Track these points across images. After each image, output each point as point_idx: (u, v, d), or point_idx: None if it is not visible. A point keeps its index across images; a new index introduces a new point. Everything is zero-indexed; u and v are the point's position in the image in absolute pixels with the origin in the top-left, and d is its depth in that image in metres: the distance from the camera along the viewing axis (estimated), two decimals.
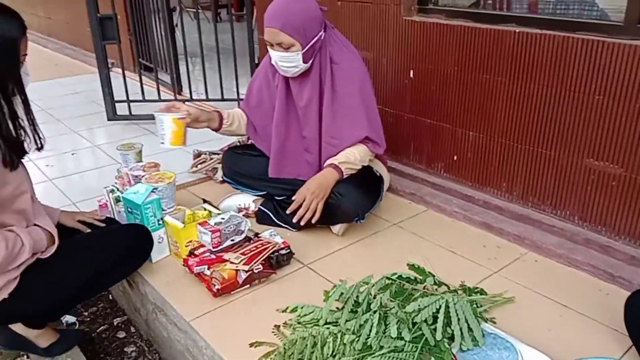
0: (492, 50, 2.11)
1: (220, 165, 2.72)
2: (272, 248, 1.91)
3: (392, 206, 2.40)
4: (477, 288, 1.78)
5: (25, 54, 1.52)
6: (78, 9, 5.77)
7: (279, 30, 1.90)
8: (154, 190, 2.00)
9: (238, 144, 2.89)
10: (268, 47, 2.01)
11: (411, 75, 2.44)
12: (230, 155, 2.36)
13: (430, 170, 2.51)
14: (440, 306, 1.48)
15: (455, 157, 2.39)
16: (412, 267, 1.78)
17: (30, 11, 7.39)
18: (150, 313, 2.00)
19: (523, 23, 2.04)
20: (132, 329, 2.19)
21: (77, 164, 2.99)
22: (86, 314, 2.25)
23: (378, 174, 2.20)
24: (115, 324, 2.22)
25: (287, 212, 2.04)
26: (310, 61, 2.00)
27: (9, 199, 1.48)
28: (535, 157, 2.10)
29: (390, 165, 2.51)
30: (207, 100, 3.56)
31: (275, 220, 2.23)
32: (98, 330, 2.16)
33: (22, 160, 1.57)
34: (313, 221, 2.02)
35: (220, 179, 2.69)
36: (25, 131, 1.55)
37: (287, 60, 1.97)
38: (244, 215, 2.27)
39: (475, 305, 1.61)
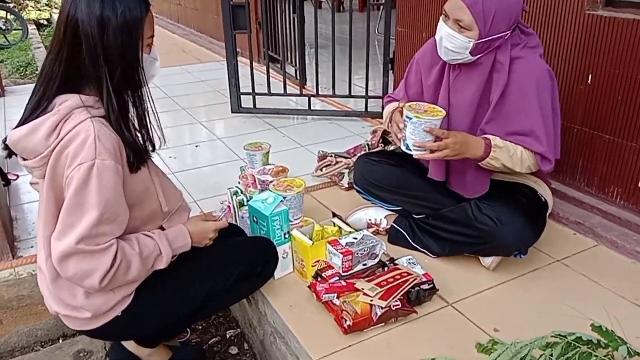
0: None
1: (347, 171, 2.48)
2: (413, 281, 1.61)
3: (553, 237, 2.00)
4: None
5: (152, 35, 1.31)
6: None
7: (466, 5, 1.56)
8: (282, 200, 1.79)
9: (367, 147, 2.62)
10: (442, 19, 1.66)
11: (589, 80, 2.01)
12: (365, 163, 2.07)
13: (602, 196, 2.07)
14: None
15: (639, 184, 1.94)
16: (598, 329, 1.40)
17: None
18: (267, 335, 1.79)
19: None
20: (246, 346, 2.01)
21: (199, 157, 2.89)
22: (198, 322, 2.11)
23: (543, 199, 1.81)
24: (227, 336, 2.05)
25: (417, 145, 1.60)
26: (478, 56, 1.65)
27: (133, 204, 1.32)
28: None
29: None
30: (334, 96, 3.32)
31: (411, 242, 1.93)
32: (210, 342, 2.00)
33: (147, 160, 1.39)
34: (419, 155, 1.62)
35: (347, 185, 2.45)
36: (145, 128, 1.36)
37: (453, 42, 1.62)
38: (373, 233, 2.00)
39: None
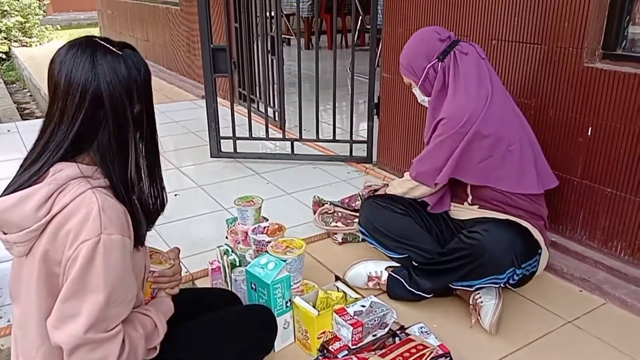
0: None
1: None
2: (430, 355, 1.50)
3: (559, 294, 1.93)
4: None
5: None
6: (176, 33, 5.72)
7: (401, 71, 1.97)
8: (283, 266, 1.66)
9: (360, 199, 2.50)
10: None
11: (589, 132, 1.99)
12: (371, 206, 2.02)
13: (606, 251, 2.03)
14: None
15: None
16: None
17: (129, 33, 7.50)
18: None
19: None
20: None
21: (179, 207, 2.72)
22: None
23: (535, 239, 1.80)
24: None
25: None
26: (434, 93, 1.90)
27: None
28: None
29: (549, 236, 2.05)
30: (318, 140, 3.24)
31: (407, 287, 1.86)
32: None
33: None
34: None
35: (340, 240, 2.33)
36: (159, 183, 1.25)
37: (418, 96, 1.99)
38: (374, 286, 1.92)
39: None
